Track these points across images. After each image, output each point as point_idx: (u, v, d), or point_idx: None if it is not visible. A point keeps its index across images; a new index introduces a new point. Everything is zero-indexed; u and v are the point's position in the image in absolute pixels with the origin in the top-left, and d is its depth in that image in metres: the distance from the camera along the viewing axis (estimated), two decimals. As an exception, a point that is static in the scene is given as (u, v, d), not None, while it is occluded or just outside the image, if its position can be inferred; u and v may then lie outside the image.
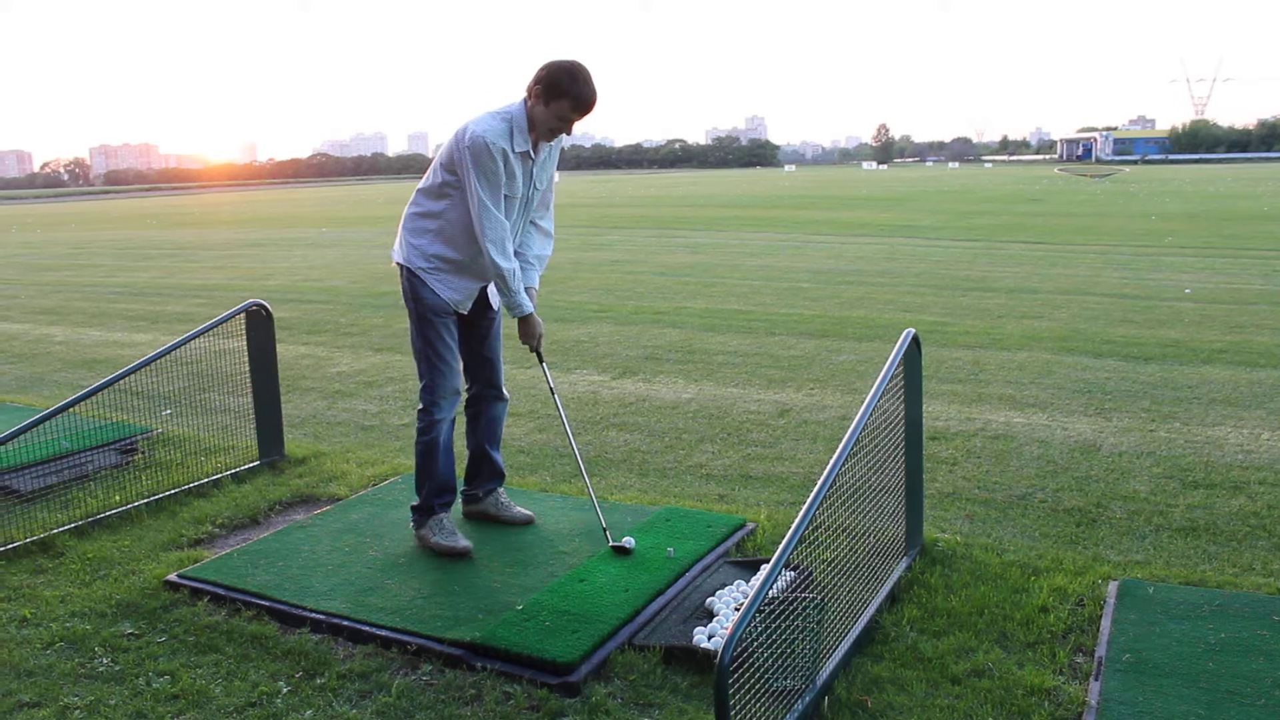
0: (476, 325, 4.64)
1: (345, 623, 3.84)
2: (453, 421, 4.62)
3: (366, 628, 3.80)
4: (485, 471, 4.88)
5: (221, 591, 4.13)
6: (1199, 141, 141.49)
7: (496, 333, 4.75)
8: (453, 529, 4.58)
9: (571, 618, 3.78)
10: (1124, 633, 3.64)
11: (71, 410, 5.06)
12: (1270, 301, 11.64)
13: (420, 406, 4.56)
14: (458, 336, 4.56)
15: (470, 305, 4.54)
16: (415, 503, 4.65)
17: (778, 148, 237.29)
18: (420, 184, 4.45)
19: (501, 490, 4.93)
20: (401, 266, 4.50)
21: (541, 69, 4.21)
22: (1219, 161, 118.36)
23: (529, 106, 4.25)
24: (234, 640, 3.80)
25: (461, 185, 4.26)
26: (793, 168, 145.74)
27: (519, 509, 4.90)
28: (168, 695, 3.43)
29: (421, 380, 4.56)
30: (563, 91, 4.17)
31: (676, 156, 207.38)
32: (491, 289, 4.59)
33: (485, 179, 4.19)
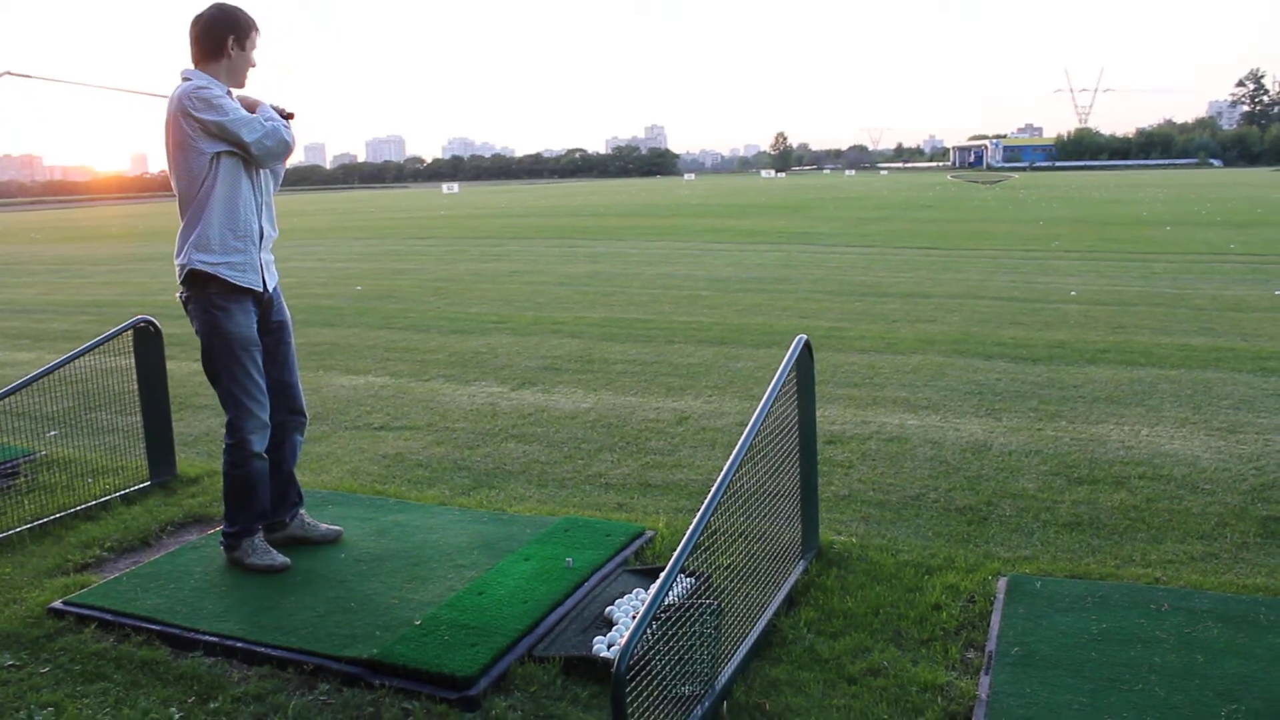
0: (275, 352, 4.55)
1: (239, 644, 3.77)
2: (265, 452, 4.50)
3: (261, 649, 3.73)
4: (291, 495, 4.72)
5: (109, 617, 4.01)
6: (1083, 149, 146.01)
7: (293, 355, 4.66)
8: (267, 547, 4.49)
9: (470, 631, 3.76)
10: (1013, 627, 3.75)
11: (-53, 434, 4.88)
12: (1149, 302, 12.08)
13: (230, 441, 4.40)
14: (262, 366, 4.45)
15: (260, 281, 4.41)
16: (231, 529, 4.48)
17: (677, 156, 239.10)
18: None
19: (303, 510, 4.79)
20: (190, 285, 4.41)
21: (211, 27, 4.20)
22: (1102, 168, 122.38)
23: (229, 62, 4.24)
24: (123, 667, 3.70)
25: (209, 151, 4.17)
26: (692, 176, 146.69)
27: (325, 526, 4.79)
28: (52, 727, 3.33)
29: (229, 414, 4.41)
30: (250, 23, 4.26)
31: (577, 166, 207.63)
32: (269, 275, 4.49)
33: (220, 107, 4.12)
